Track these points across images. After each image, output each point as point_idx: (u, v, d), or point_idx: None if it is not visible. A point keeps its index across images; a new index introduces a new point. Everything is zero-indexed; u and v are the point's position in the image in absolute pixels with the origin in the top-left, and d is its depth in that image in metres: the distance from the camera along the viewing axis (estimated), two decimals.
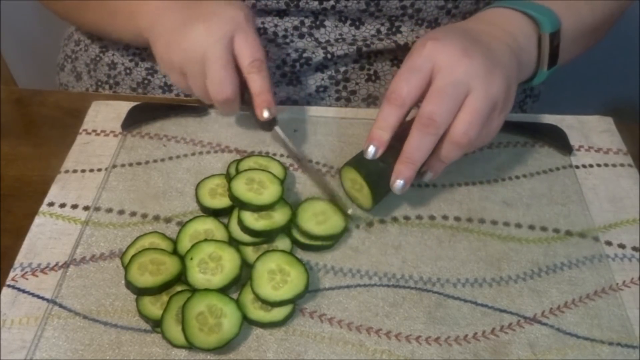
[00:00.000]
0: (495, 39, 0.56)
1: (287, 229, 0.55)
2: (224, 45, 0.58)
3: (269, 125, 0.61)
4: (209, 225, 0.55)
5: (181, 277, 0.51)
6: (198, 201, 0.58)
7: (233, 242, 0.54)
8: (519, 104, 0.83)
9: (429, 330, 0.50)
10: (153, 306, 0.50)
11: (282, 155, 0.64)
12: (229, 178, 0.58)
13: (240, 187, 0.55)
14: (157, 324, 0.49)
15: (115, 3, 0.67)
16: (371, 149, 0.54)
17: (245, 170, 0.58)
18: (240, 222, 0.54)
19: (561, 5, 0.61)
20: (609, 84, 1.23)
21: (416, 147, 0.53)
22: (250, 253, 0.54)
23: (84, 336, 0.49)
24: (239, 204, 0.55)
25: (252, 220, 0.54)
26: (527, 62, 0.59)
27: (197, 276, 0.51)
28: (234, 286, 0.52)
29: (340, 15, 0.69)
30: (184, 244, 0.53)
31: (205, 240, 0.53)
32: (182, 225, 0.55)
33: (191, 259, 0.51)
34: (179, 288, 0.51)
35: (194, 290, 0.50)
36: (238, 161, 0.60)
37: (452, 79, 0.52)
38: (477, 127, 0.52)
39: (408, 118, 0.55)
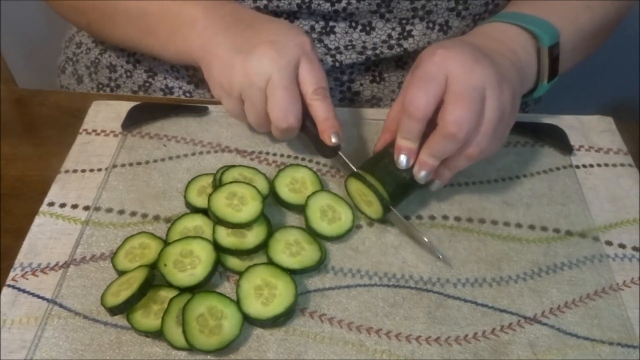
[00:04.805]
0: (498, 54, 0.56)
1: (258, 250, 0.53)
2: (290, 71, 0.56)
3: (333, 151, 0.59)
4: (198, 222, 0.55)
5: (149, 287, 0.49)
6: (184, 197, 0.58)
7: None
8: (521, 106, 0.83)
9: (429, 330, 0.50)
10: (146, 319, 0.49)
11: (283, 155, 0.64)
12: (214, 184, 0.57)
13: (220, 202, 0.54)
14: (156, 335, 0.48)
15: (150, 19, 0.64)
16: (402, 158, 0.54)
17: (230, 182, 0.56)
18: (213, 233, 0.53)
19: (559, 15, 0.61)
20: (609, 84, 1.23)
21: (440, 151, 0.52)
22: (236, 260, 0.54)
23: (84, 336, 0.49)
24: (215, 219, 0.54)
25: (224, 234, 0.53)
26: (528, 76, 0.59)
27: (179, 276, 0.50)
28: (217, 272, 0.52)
29: (351, 20, 0.68)
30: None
31: (170, 243, 0.52)
32: (172, 223, 0.55)
33: (165, 265, 0.51)
34: (171, 293, 0.50)
35: (193, 292, 0.50)
36: (223, 170, 0.59)
37: (470, 84, 0.51)
38: (489, 138, 0.52)
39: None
